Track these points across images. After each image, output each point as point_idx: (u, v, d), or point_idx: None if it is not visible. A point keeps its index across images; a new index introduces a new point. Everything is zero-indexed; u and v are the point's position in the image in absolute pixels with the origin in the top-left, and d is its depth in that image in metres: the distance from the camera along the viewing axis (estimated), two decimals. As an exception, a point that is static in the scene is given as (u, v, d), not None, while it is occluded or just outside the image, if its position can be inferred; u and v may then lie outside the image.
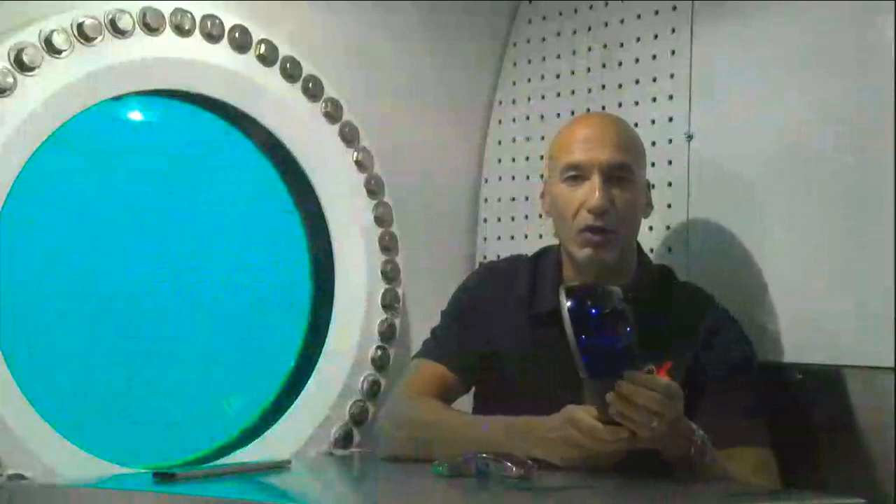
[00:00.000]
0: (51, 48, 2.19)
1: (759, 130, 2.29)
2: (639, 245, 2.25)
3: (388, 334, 2.56)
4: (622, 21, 2.55)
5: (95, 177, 2.36)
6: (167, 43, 2.32)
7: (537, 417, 2.01)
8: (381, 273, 2.56)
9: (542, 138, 2.66)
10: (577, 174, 2.14)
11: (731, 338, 2.13)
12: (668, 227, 2.41)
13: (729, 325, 2.15)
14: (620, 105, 2.52)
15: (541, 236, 2.60)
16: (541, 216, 2.61)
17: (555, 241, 2.30)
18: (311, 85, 2.50)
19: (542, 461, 1.94)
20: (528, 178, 2.70)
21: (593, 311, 1.87)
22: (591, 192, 2.12)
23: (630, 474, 1.96)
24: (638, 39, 2.51)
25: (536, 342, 2.19)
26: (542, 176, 2.63)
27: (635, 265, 2.20)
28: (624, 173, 2.14)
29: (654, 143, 2.42)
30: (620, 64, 2.54)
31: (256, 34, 2.43)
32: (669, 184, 2.41)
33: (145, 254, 2.39)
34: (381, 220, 2.58)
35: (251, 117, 2.46)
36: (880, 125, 2.07)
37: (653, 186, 2.27)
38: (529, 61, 2.73)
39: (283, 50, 2.46)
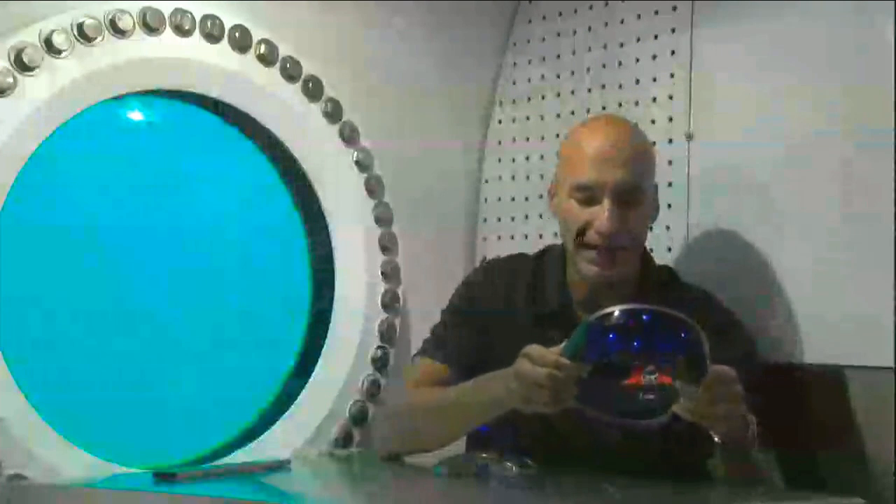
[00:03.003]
0: (51, 48, 2.19)
1: (759, 130, 2.29)
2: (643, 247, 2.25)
3: (388, 334, 2.56)
4: (622, 21, 2.55)
5: (95, 177, 2.35)
6: (167, 43, 2.32)
7: (498, 371, 2.01)
8: (381, 273, 2.56)
9: (542, 138, 2.67)
10: (588, 195, 2.11)
11: (736, 338, 2.12)
12: (668, 228, 2.41)
13: (733, 325, 2.15)
14: (620, 105, 2.52)
15: (541, 236, 2.60)
16: (541, 216, 2.62)
17: (557, 241, 2.30)
18: (311, 85, 2.50)
19: (540, 456, 1.95)
20: (528, 178, 2.70)
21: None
22: (600, 213, 2.09)
23: (632, 475, 1.96)
24: (638, 39, 2.52)
25: (538, 341, 2.18)
26: (542, 176, 2.65)
27: (639, 266, 2.20)
28: (636, 195, 2.12)
29: (654, 144, 2.42)
30: (620, 64, 2.54)
31: (256, 34, 2.43)
32: (670, 184, 2.40)
33: (145, 254, 2.39)
34: (381, 220, 2.58)
35: (251, 117, 2.46)
36: (880, 125, 2.07)
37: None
38: (529, 61, 2.73)
39: (283, 50, 2.46)
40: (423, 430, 2.10)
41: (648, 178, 2.17)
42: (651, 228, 2.26)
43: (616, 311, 1.87)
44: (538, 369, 1.88)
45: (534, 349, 1.91)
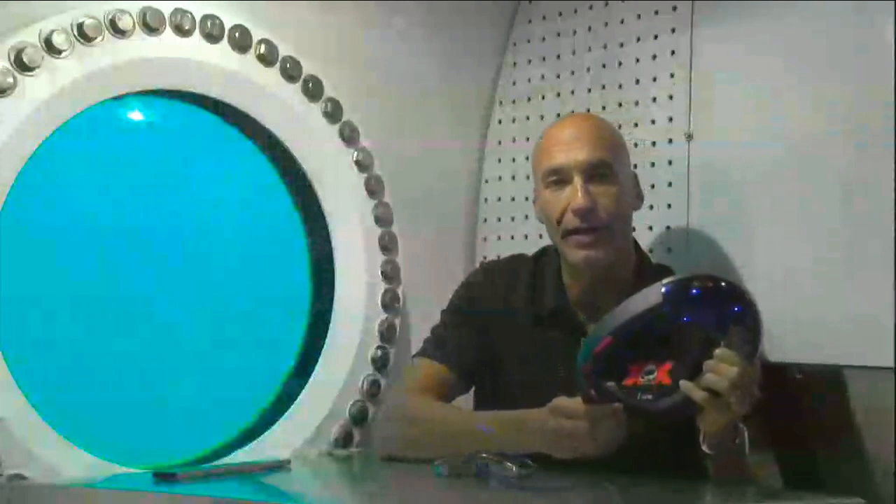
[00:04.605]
0: (51, 48, 2.18)
1: (759, 130, 2.29)
2: (638, 245, 2.26)
3: (388, 334, 2.56)
4: (622, 21, 2.55)
5: (95, 177, 2.35)
6: (167, 43, 2.32)
7: (528, 410, 2.02)
8: (381, 273, 2.56)
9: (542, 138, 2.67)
10: (558, 178, 2.15)
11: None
12: (667, 228, 2.41)
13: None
14: (620, 105, 2.52)
15: (541, 236, 2.59)
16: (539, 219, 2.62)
17: (555, 241, 2.30)
18: (311, 85, 2.50)
19: (540, 456, 1.95)
20: (528, 178, 2.68)
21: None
22: (573, 194, 2.13)
23: (632, 474, 1.96)
24: (638, 39, 2.52)
25: (537, 342, 2.19)
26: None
27: (634, 265, 2.21)
28: (604, 170, 2.15)
29: (654, 144, 2.43)
30: (620, 64, 2.55)
31: (256, 34, 2.43)
32: (669, 184, 2.41)
33: (145, 253, 2.39)
34: (381, 220, 2.58)
35: (251, 117, 2.46)
36: (880, 125, 2.07)
37: (652, 186, 2.26)
38: (529, 61, 2.73)
39: (283, 50, 2.46)
40: (430, 446, 2.08)
41: (618, 158, 2.19)
42: (650, 228, 2.27)
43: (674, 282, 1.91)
44: (577, 423, 1.92)
45: (563, 405, 1.95)
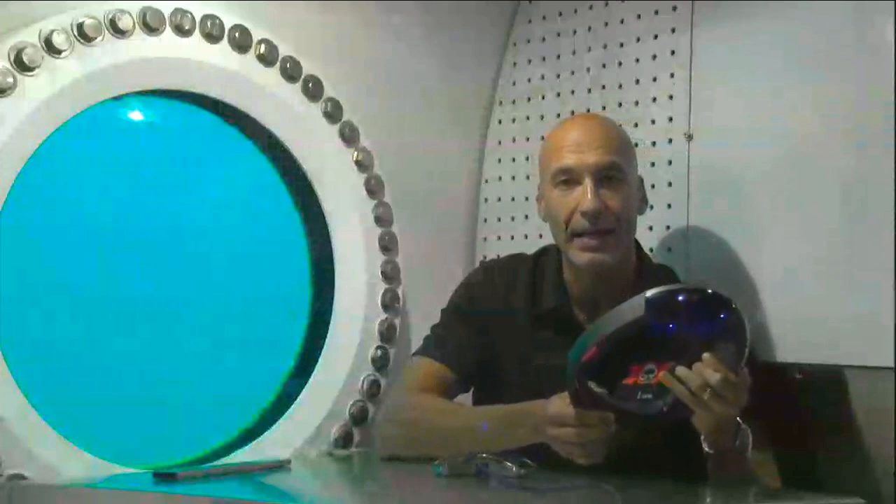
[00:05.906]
0: (51, 48, 2.19)
1: (759, 130, 2.29)
2: (638, 245, 2.26)
3: (388, 334, 2.56)
4: (622, 21, 2.55)
5: (95, 177, 2.36)
6: (167, 43, 2.32)
7: (529, 404, 2.02)
8: (381, 273, 2.56)
9: (542, 138, 2.66)
10: (568, 178, 2.15)
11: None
12: (667, 228, 2.41)
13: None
14: (620, 105, 2.52)
15: (541, 236, 2.60)
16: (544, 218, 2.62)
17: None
18: (311, 85, 2.50)
19: (540, 456, 1.95)
20: (528, 178, 2.70)
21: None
22: (583, 195, 2.13)
23: (631, 475, 1.96)
24: (638, 39, 2.52)
25: (537, 341, 2.19)
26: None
27: (635, 265, 2.21)
28: (614, 173, 2.15)
29: (654, 144, 2.42)
30: (620, 64, 2.54)
31: (256, 34, 2.43)
32: (669, 184, 2.41)
33: (145, 253, 2.39)
34: (381, 220, 2.58)
35: (251, 117, 2.46)
36: (880, 125, 2.07)
37: (652, 186, 2.26)
38: (529, 61, 2.73)
39: (283, 50, 2.46)
40: (431, 445, 2.08)
41: (627, 160, 2.19)
42: (651, 228, 2.26)
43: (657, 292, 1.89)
44: (570, 431, 1.93)
45: (559, 413, 1.94)
